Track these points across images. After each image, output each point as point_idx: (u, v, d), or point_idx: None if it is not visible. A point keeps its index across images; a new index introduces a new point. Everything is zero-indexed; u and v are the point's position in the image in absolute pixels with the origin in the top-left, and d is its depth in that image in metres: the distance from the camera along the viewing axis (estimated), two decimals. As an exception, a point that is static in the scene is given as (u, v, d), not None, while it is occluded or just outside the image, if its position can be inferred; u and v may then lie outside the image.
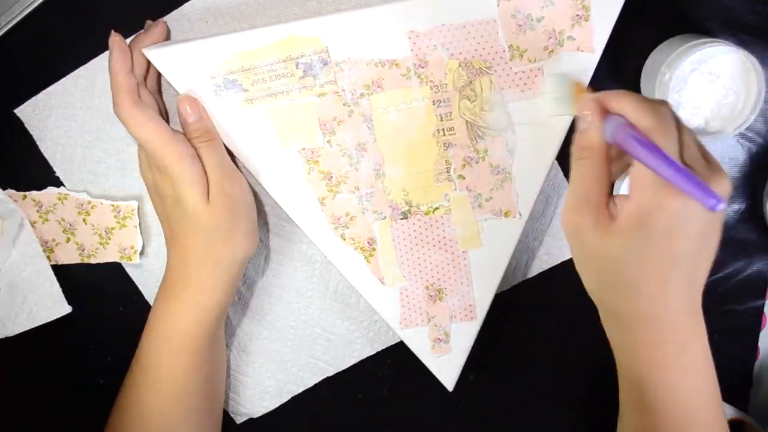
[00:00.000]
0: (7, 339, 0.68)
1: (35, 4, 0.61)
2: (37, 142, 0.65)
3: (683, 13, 0.61)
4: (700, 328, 0.49)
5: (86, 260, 0.67)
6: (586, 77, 0.56)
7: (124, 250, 0.66)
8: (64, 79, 0.63)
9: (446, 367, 0.62)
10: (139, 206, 0.65)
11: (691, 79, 0.58)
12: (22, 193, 0.66)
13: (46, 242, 0.67)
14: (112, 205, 0.65)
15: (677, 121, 0.47)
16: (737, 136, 0.63)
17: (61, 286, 0.67)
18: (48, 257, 0.67)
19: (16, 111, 0.64)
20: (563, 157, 0.58)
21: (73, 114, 0.64)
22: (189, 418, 0.62)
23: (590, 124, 0.49)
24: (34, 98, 0.64)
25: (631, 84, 0.61)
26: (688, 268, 0.46)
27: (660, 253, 0.45)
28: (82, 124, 0.64)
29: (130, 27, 0.60)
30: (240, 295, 0.67)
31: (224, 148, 0.58)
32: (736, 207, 0.64)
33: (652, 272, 0.46)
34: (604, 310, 0.51)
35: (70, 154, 0.65)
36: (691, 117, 0.59)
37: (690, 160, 0.45)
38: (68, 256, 0.67)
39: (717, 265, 0.62)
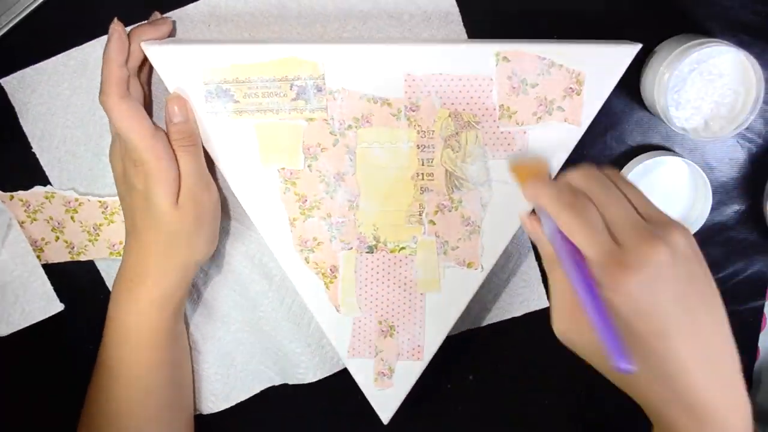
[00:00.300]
0: (1, 339, 0.68)
1: (35, 4, 0.61)
2: (18, 116, 0.64)
3: (683, 13, 0.61)
4: None
5: (76, 258, 0.67)
6: (567, 150, 0.57)
7: (113, 245, 0.66)
8: (55, 58, 0.62)
9: (385, 401, 0.63)
10: None
11: (690, 79, 0.58)
12: (9, 193, 0.65)
13: (35, 242, 0.66)
14: (99, 201, 0.65)
15: (603, 183, 0.47)
16: (737, 136, 0.63)
17: (52, 284, 0.67)
18: (38, 257, 0.67)
19: (1, 81, 0.63)
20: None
21: (59, 93, 0.63)
22: (160, 416, 0.62)
23: (536, 235, 0.49)
24: (21, 71, 0.63)
25: (630, 84, 0.62)
26: None
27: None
28: (67, 104, 0.63)
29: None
30: (200, 294, 0.68)
31: (203, 156, 0.58)
32: (735, 207, 0.65)
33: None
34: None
35: (50, 132, 0.64)
36: (690, 117, 0.59)
37: (621, 231, 0.45)
38: (58, 254, 0.67)
39: (717, 266, 0.65)
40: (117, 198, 0.63)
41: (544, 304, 0.67)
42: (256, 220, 0.60)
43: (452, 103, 0.57)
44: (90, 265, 0.68)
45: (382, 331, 0.62)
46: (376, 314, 0.61)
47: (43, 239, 0.66)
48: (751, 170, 0.64)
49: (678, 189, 0.63)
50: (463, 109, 0.57)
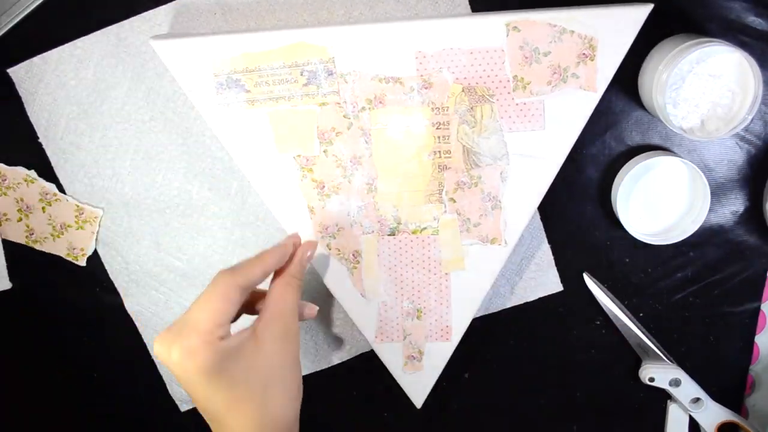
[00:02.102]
0: None
1: (35, 4, 0.61)
2: (25, 105, 0.64)
3: (684, 14, 0.60)
4: None
5: (31, 244, 0.67)
6: (585, 117, 0.57)
7: (74, 249, 0.66)
8: (60, 47, 0.62)
9: (417, 384, 0.62)
10: (102, 216, 0.65)
11: (689, 78, 0.57)
12: None
13: None
14: (77, 205, 0.65)
15: None
16: (736, 138, 0.62)
17: (9, 261, 0.67)
18: None
19: (9, 71, 0.63)
20: (542, 205, 0.59)
21: (65, 83, 0.63)
22: None
23: None
24: (29, 61, 0.63)
25: (630, 83, 0.61)
26: None
27: None
28: (73, 94, 0.63)
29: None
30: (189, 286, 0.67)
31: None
32: (734, 209, 0.64)
33: None
34: None
35: (55, 122, 0.64)
36: (686, 116, 0.58)
37: None
38: (15, 234, 0.67)
39: (714, 268, 0.64)
40: (95, 209, 0.64)
41: (559, 288, 0.67)
42: (275, 210, 0.59)
43: (465, 78, 0.56)
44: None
45: (409, 313, 0.61)
46: (401, 297, 0.61)
47: (5, 215, 0.66)
48: (750, 172, 0.63)
49: (676, 189, 0.63)
50: (477, 83, 0.57)
